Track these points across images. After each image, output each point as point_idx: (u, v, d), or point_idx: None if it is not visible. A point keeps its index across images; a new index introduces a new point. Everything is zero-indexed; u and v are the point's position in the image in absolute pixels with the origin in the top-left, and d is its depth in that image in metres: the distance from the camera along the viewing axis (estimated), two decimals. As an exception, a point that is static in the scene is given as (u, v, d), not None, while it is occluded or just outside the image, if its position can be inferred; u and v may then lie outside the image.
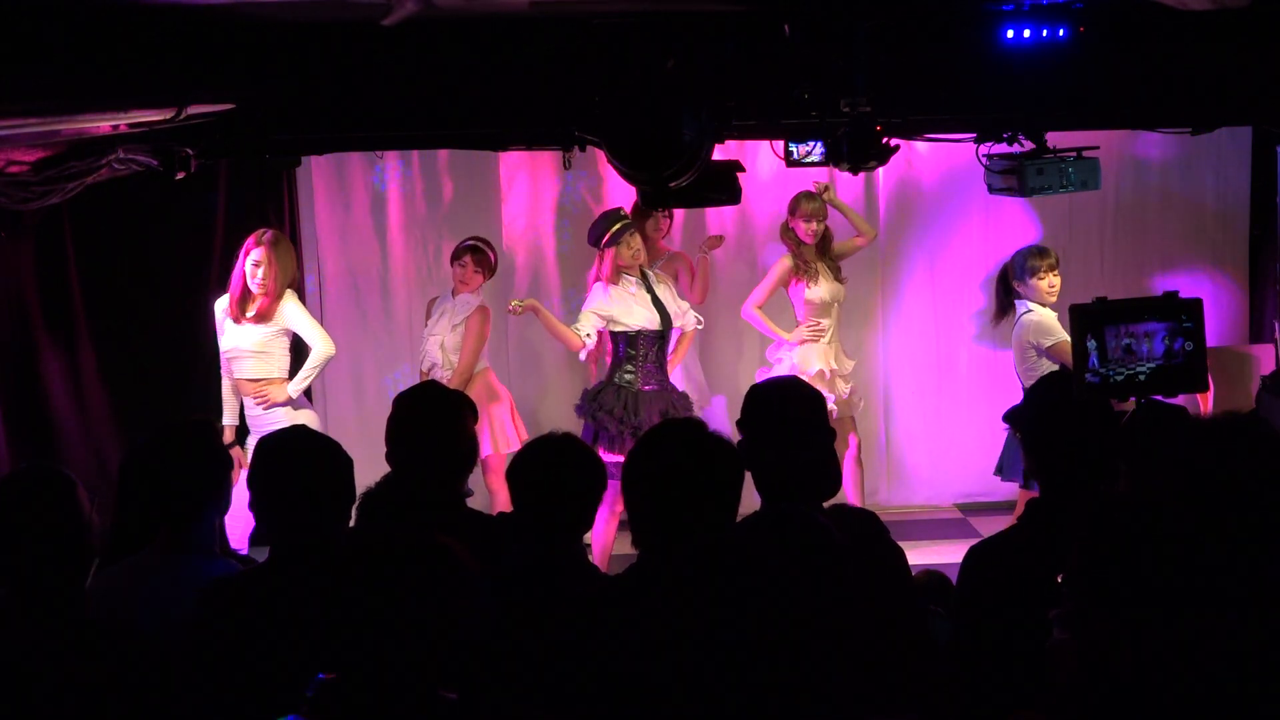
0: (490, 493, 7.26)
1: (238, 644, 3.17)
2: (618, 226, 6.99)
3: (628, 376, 7.01)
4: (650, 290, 7.06)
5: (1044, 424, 3.46)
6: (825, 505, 3.45)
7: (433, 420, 3.99)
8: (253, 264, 6.77)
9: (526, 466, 3.51)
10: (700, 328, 7.40)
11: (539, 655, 3.16)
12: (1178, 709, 2.45)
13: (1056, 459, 3.40)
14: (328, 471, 3.38)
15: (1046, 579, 2.80)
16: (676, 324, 7.16)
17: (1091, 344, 4.66)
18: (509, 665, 3.21)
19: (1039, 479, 3.46)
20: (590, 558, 7.02)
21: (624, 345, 7.03)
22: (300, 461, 3.38)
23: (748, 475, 3.29)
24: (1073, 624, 2.65)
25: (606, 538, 7.04)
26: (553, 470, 3.47)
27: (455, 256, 7.41)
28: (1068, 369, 6.76)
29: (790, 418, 3.47)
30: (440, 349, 7.35)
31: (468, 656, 2.61)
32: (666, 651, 2.39)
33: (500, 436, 7.39)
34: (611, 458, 6.83)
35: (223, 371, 6.99)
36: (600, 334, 7.08)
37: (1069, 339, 6.66)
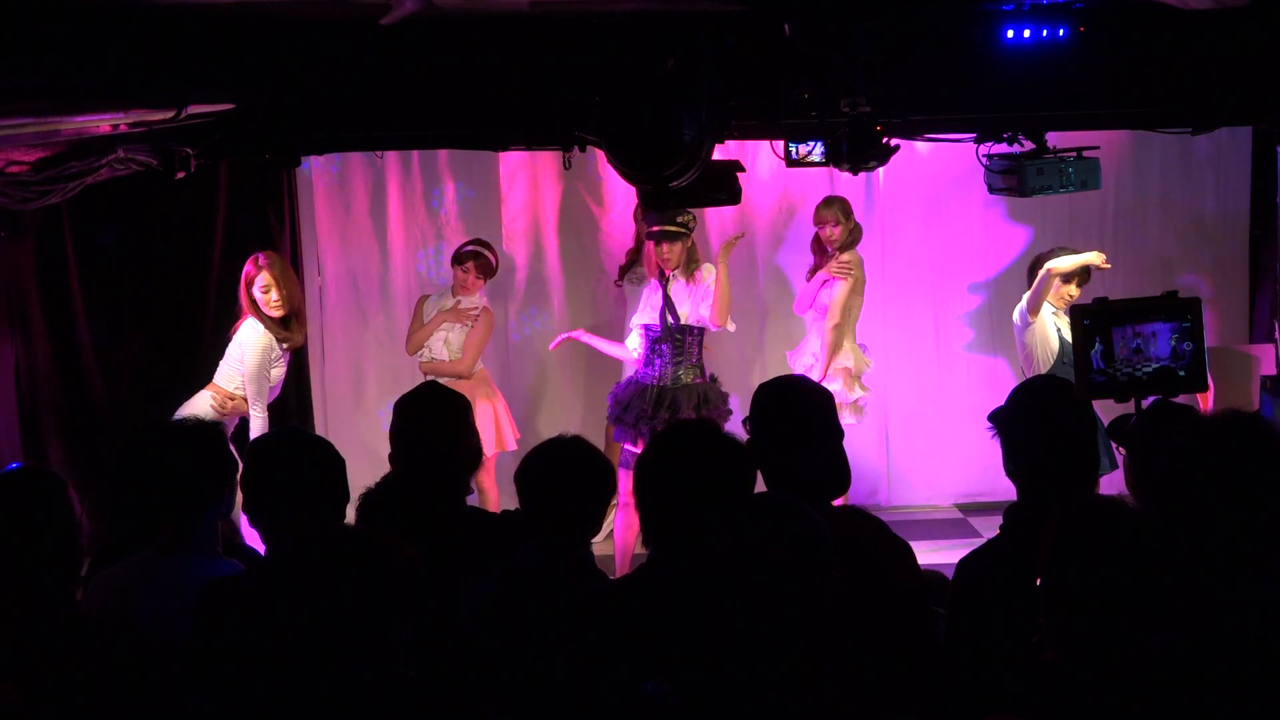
0: (480, 491, 7.26)
1: (236, 644, 3.17)
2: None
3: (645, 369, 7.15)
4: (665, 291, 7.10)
5: (1021, 426, 3.42)
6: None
7: (437, 422, 3.98)
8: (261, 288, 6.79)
9: (535, 469, 3.49)
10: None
11: (544, 658, 3.15)
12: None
13: (1033, 462, 3.36)
14: (320, 470, 3.38)
15: (1032, 586, 2.79)
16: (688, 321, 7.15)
17: (1096, 344, 4.67)
18: (513, 666, 3.21)
19: (1015, 482, 3.43)
20: (612, 556, 7.09)
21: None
22: (293, 461, 3.39)
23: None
24: (1049, 630, 2.64)
25: (629, 537, 7.04)
26: (561, 473, 3.46)
27: (458, 260, 7.43)
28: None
29: (798, 417, 3.46)
30: (445, 345, 7.39)
31: (453, 652, 2.63)
32: (673, 650, 2.38)
33: (495, 436, 7.40)
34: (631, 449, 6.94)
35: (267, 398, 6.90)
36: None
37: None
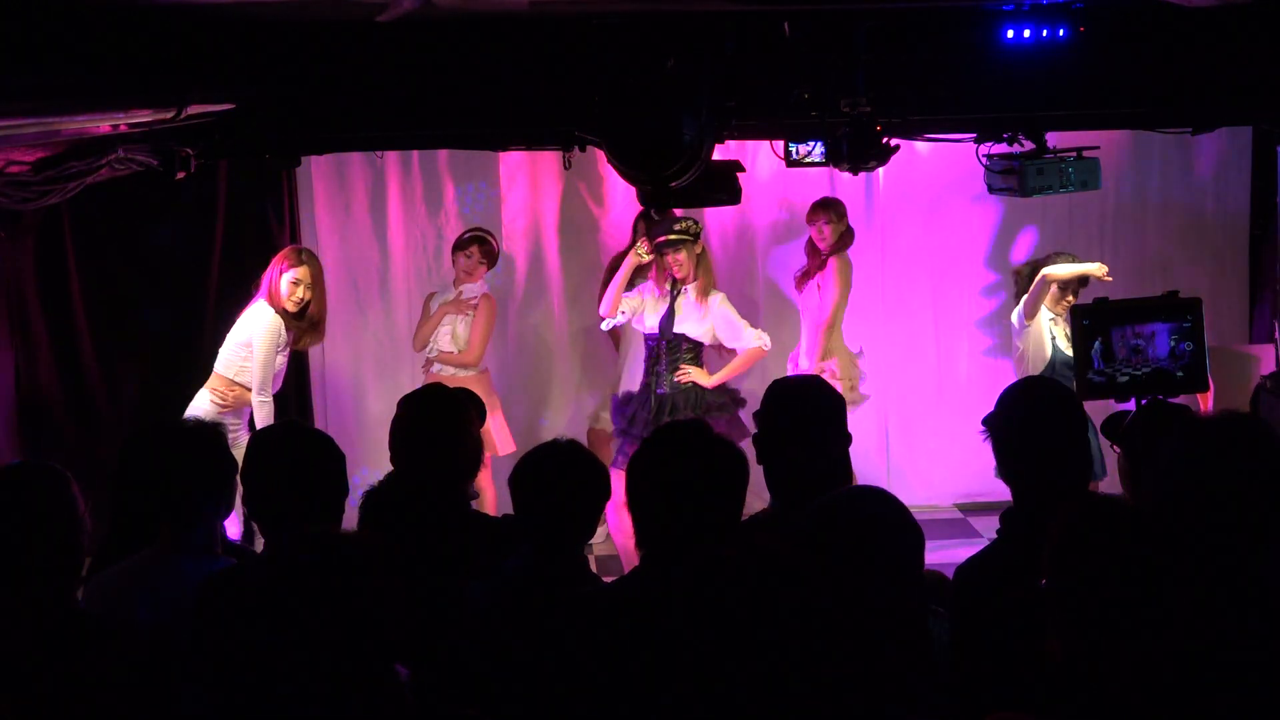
0: (478, 490, 7.25)
1: (236, 637, 3.17)
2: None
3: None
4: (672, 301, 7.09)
5: (1011, 429, 3.38)
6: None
7: (437, 423, 3.98)
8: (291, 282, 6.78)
9: (529, 473, 3.49)
10: (761, 346, 7.15)
11: (537, 662, 3.15)
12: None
13: (1025, 465, 3.34)
14: (321, 464, 3.38)
15: (1032, 588, 2.78)
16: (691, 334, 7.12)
17: (1096, 344, 4.67)
18: (510, 672, 3.20)
19: (1009, 484, 3.42)
20: (615, 556, 7.08)
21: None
22: (293, 454, 3.39)
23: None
24: (1053, 630, 2.64)
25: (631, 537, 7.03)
26: (556, 478, 3.46)
27: (460, 246, 7.45)
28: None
29: (813, 417, 3.46)
30: (451, 338, 7.39)
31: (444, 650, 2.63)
32: (671, 654, 2.38)
33: (491, 439, 7.39)
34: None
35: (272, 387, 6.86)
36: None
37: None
